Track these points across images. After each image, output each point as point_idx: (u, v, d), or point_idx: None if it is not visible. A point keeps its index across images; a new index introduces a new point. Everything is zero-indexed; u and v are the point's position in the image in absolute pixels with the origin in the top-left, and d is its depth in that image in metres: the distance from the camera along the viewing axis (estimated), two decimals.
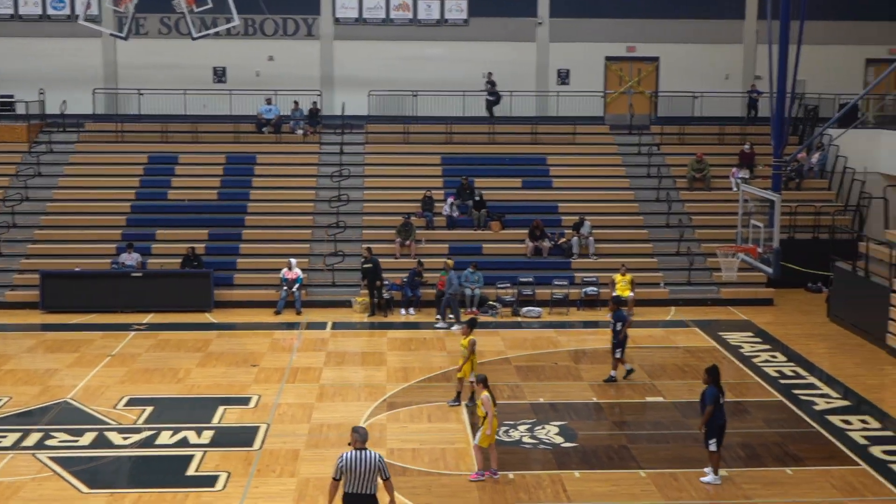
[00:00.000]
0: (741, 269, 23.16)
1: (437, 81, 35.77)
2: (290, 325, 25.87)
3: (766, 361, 22.42)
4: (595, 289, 27.69)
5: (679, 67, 37.21)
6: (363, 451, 11.83)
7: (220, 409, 18.78)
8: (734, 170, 32.38)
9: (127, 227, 30.06)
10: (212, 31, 32.53)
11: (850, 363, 22.41)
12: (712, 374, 15.38)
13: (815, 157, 33.06)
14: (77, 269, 27.71)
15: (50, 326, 25.52)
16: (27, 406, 18.89)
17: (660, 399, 19.64)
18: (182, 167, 32.75)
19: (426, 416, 18.52)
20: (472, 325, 19.14)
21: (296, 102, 35.20)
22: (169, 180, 32.10)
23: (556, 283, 27.96)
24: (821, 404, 19.38)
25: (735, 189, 29.98)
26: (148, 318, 26.24)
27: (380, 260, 27.24)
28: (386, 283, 27.17)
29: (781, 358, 22.76)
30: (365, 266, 26.96)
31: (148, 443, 17.00)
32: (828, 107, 34.45)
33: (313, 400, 19.40)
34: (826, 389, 20.41)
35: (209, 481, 15.33)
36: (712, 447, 15.28)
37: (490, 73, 35.47)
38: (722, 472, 15.54)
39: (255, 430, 17.64)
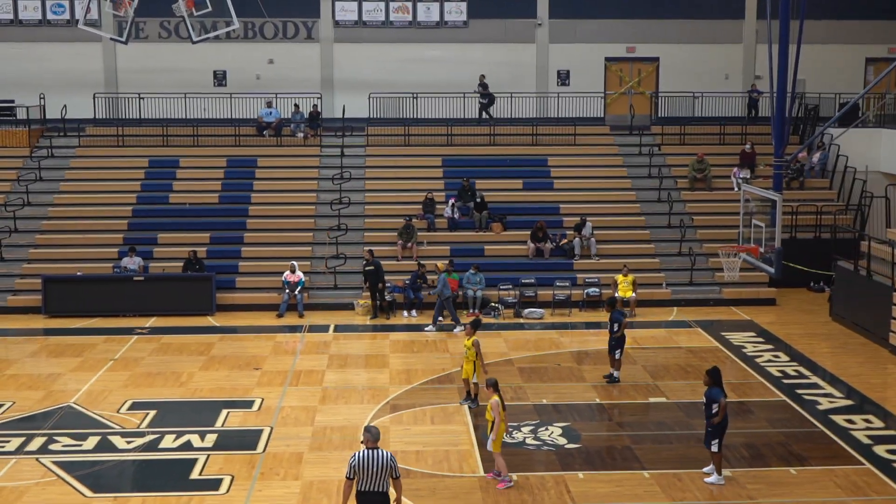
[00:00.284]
0: (743, 269, 23.16)
1: (438, 83, 35.82)
2: (293, 328, 25.87)
3: (769, 361, 22.41)
4: (597, 290, 27.69)
5: (679, 68, 37.25)
6: (375, 451, 11.93)
7: (224, 412, 18.79)
8: (735, 170, 32.38)
9: (129, 231, 30.07)
10: (212, 34, 32.53)
11: (853, 362, 22.40)
12: (714, 376, 15.39)
13: (816, 157, 33.06)
14: (79, 274, 27.73)
15: (52, 331, 25.52)
16: (30, 411, 18.89)
17: (663, 399, 19.63)
18: (183, 171, 32.76)
19: (429, 417, 18.52)
20: (475, 325, 19.14)
21: (296, 105, 35.23)
22: (170, 184, 32.11)
23: (558, 284, 27.96)
24: (824, 404, 19.37)
25: (736, 189, 29.99)
26: (150, 321, 26.25)
27: (381, 262, 27.24)
28: (388, 285, 27.17)
29: (784, 358, 22.75)
30: (367, 268, 26.96)
31: (151, 447, 17.00)
32: (828, 106, 34.47)
33: (316, 403, 19.39)
34: (829, 389, 20.39)
35: (213, 485, 15.33)
36: (714, 448, 15.29)
37: (483, 76, 35.46)
38: (725, 472, 15.55)
39: (258, 433, 17.64)
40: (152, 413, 18.69)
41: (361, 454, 11.94)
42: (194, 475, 15.77)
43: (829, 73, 35.83)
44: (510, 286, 27.81)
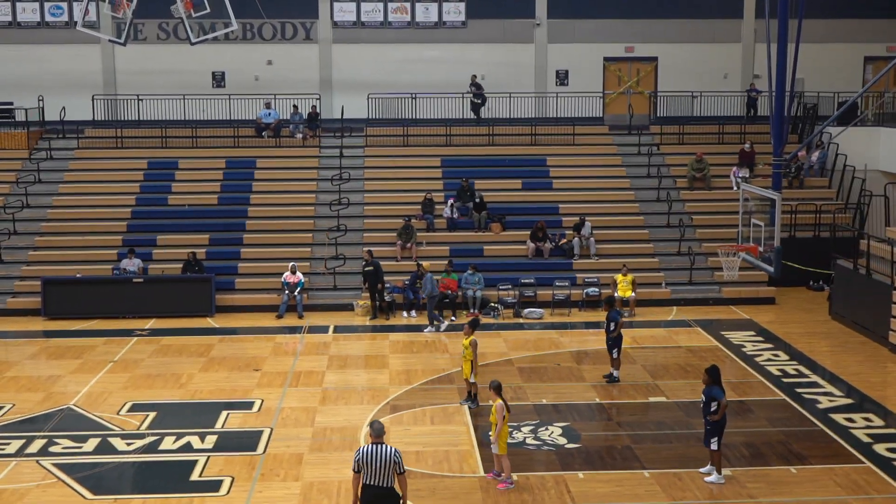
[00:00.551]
0: (742, 268, 23.14)
1: (436, 83, 35.86)
2: (293, 329, 25.87)
3: (769, 360, 22.42)
4: (597, 289, 27.69)
5: (678, 67, 37.30)
6: (380, 446, 12.06)
7: (224, 413, 18.79)
8: (734, 169, 32.39)
9: (128, 232, 30.06)
10: (210, 35, 32.55)
11: (852, 361, 22.41)
12: (713, 374, 15.40)
13: (815, 156, 33.07)
14: (78, 276, 27.73)
15: (52, 333, 25.53)
16: (30, 413, 18.88)
17: (662, 399, 19.63)
18: (182, 172, 32.76)
19: (429, 418, 18.52)
20: (473, 325, 19.15)
21: (295, 106, 35.23)
22: (169, 185, 32.11)
23: (557, 284, 27.96)
24: (824, 402, 19.37)
25: (735, 188, 29.99)
26: (150, 323, 26.25)
27: (381, 263, 27.24)
28: (387, 285, 27.17)
29: (784, 356, 22.76)
30: (366, 269, 26.95)
31: (151, 448, 17.00)
32: (827, 105, 34.53)
33: (316, 403, 19.39)
34: (829, 387, 20.40)
35: (213, 486, 15.33)
36: (713, 446, 15.29)
37: (474, 76, 35.47)
38: (726, 471, 15.55)
39: (258, 434, 17.64)
40: (152, 415, 18.68)
41: (366, 448, 12.07)
42: (194, 476, 15.77)
43: (827, 72, 35.89)
44: (509, 286, 27.81)
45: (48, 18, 36.66)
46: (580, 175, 33.00)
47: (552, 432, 17.61)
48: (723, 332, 24.97)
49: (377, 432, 12.17)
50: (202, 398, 19.91)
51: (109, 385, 20.65)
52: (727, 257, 22.93)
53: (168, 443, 17.21)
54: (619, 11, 37.23)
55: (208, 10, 30.67)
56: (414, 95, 35.47)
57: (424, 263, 26.88)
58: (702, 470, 15.59)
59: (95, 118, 35.37)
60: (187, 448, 16.99)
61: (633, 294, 26.92)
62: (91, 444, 17.16)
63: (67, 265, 28.39)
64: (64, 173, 32.77)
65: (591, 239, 29.48)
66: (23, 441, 17.24)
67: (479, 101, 35.40)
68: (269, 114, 34.83)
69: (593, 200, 31.61)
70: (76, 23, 32.95)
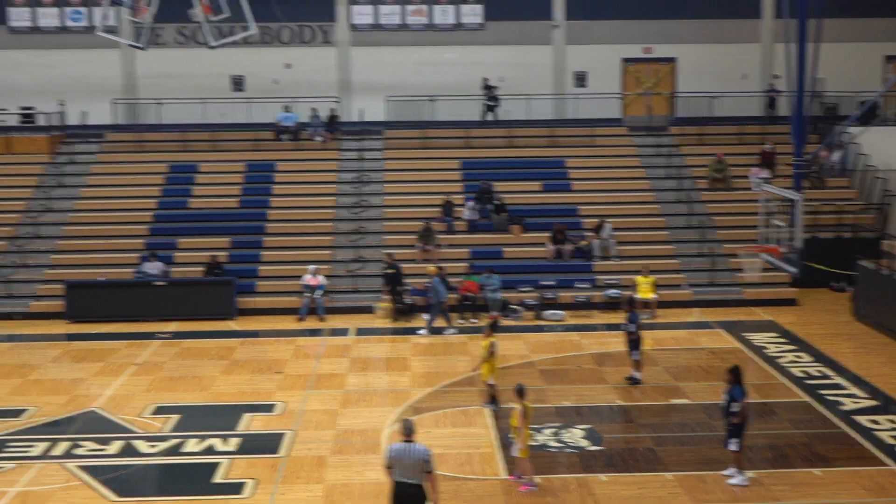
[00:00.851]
0: (764, 269, 23.13)
1: (455, 86, 35.86)
2: (314, 332, 25.93)
3: (792, 362, 22.31)
4: (617, 291, 27.62)
5: (696, 68, 37.20)
6: (410, 444, 12.30)
7: (246, 416, 18.84)
8: (755, 169, 32.26)
9: (149, 236, 30.21)
10: (229, 39, 32.66)
11: (875, 362, 22.27)
12: (735, 374, 15.36)
13: (836, 156, 32.89)
14: (101, 279, 27.88)
15: (75, 336, 25.69)
16: (54, 416, 18.99)
17: (685, 401, 19.57)
18: (202, 175, 32.90)
19: (451, 420, 18.52)
20: (492, 327, 19.14)
21: (314, 109, 35.30)
22: (189, 189, 32.26)
23: (578, 285, 27.93)
24: (848, 404, 19.26)
25: (756, 189, 29.88)
26: (172, 326, 26.37)
27: (401, 265, 27.26)
28: (408, 288, 27.18)
29: (807, 358, 22.63)
30: (387, 271, 26.99)
31: (174, 451, 17.06)
32: (847, 105, 34.33)
33: (338, 406, 19.42)
34: (853, 389, 20.27)
35: (236, 488, 15.38)
36: (733, 447, 15.23)
37: (486, 79, 35.47)
38: (749, 473, 15.48)
39: (280, 436, 17.68)
40: (175, 417, 18.75)
41: (396, 445, 12.33)
42: (217, 479, 15.82)
43: (847, 72, 35.65)
44: (530, 288, 27.78)
45: (68, 24, 36.89)
46: (599, 177, 32.95)
47: (574, 435, 17.58)
48: (745, 334, 24.87)
49: (407, 430, 12.40)
50: (224, 401, 19.98)
51: (132, 388, 20.76)
52: (748, 258, 22.91)
53: (191, 445, 17.27)
54: (637, 12, 37.15)
55: (227, 14, 30.79)
56: (432, 98, 35.50)
57: (430, 267, 26.83)
58: (725, 472, 15.52)
59: (116, 122, 35.57)
60: (210, 450, 17.05)
61: (655, 296, 26.85)
62: (115, 447, 17.24)
63: (90, 268, 28.55)
64: (85, 177, 32.96)
65: (612, 240, 29.42)
66: (47, 444, 17.33)
67: (493, 104, 35.41)
68: (288, 117, 34.93)
69: (613, 202, 31.56)
70: (96, 28, 33.15)
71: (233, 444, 17.35)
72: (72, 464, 16.42)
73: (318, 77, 36.82)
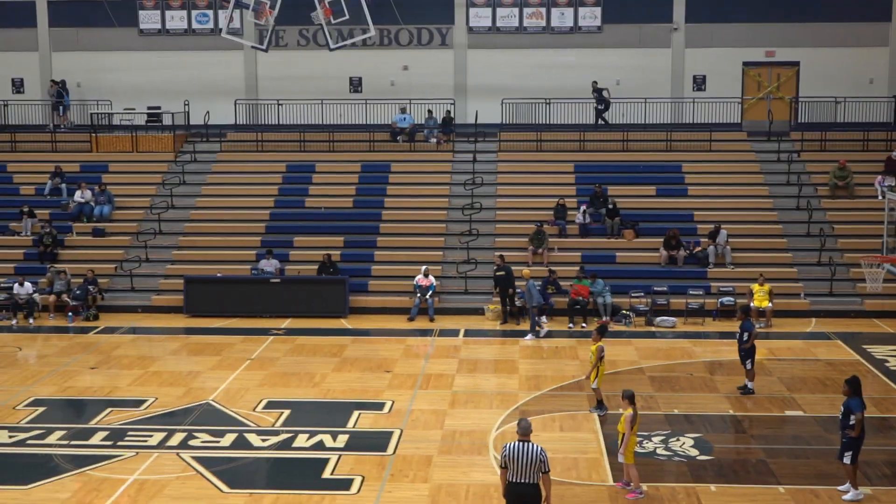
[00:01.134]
0: (887, 280, 22.38)
1: (571, 89, 35.68)
2: (423, 332, 26.12)
3: None
4: (732, 299, 27.11)
5: (820, 72, 36.22)
6: (526, 443, 12.26)
7: (355, 413, 19.08)
8: (879, 177, 31.30)
9: (266, 234, 30.86)
10: (348, 41, 33.22)
11: None
12: (853, 385, 14.91)
13: None
14: (219, 275, 28.59)
15: (193, 330, 26.41)
16: (172, 407, 19.55)
17: (799, 413, 19.09)
18: (319, 175, 33.47)
19: (558, 425, 18.44)
20: (601, 331, 19.01)
21: (430, 111, 35.58)
22: (306, 188, 32.84)
23: (691, 292, 27.49)
24: None
25: (881, 197, 28.99)
26: (286, 323, 26.89)
27: (512, 268, 27.25)
28: (518, 291, 27.16)
29: None
30: (497, 274, 27.01)
31: (285, 445, 17.38)
32: None
33: (446, 406, 19.52)
34: None
35: (344, 484, 15.57)
36: (846, 460, 14.79)
37: (595, 82, 35.16)
38: (866, 489, 15.01)
39: (388, 435, 17.85)
40: (286, 412, 19.10)
41: (513, 445, 12.28)
42: (326, 474, 16.04)
43: None
44: (641, 294, 27.47)
45: (195, 26, 37.93)
46: (716, 182, 32.40)
47: (683, 443, 17.31)
48: (865, 346, 24.13)
49: (524, 430, 12.38)
50: (334, 397, 20.28)
51: (246, 382, 21.23)
52: (871, 268, 22.21)
53: (301, 440, 17.56)
54: (758, 15, 36.35)
55: (347, 16, 31.27)
56: (548, 101, 35.39)
57: (525, 270, 26.67)
58: (840, 488, 15.08)
59: (237, 122, 36.44)
60: (319, 446, 17.31)
61: (770, 304, 26.27)
62: (228, 439, 17.66)
63: (208, 265, 29.31)
64: (207, 175, 33.86)
65: (727, 247, 28.88)
66: (164, 434, 17.85)
67: (602, 108, 35.13)
68: (405, 118, 35.27)
69: (730, 208, 31.02)
70: (221, 30, 34.06)
71: (342, 440, 17.59)
72: (187, 454, 16.87)
73: (435, 79, 37.07)
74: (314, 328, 26.29)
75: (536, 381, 21.24)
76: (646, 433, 17.40)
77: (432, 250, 29.87)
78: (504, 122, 35.55)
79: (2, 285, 28.09)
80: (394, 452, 16.98)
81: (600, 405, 18.86)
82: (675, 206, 31.42)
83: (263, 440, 17.63)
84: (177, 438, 17.65)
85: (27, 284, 27.55)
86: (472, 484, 15.47)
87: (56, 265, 29.20)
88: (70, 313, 27.22)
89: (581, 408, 19.24)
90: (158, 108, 36.68)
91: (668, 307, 27.09)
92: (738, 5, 36.43)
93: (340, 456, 16.79)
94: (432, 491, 15.33)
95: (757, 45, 36.71)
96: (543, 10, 37.07)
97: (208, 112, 35.39)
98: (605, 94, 35.04)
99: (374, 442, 17.53)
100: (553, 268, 27.95)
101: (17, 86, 38.60)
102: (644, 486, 15.14)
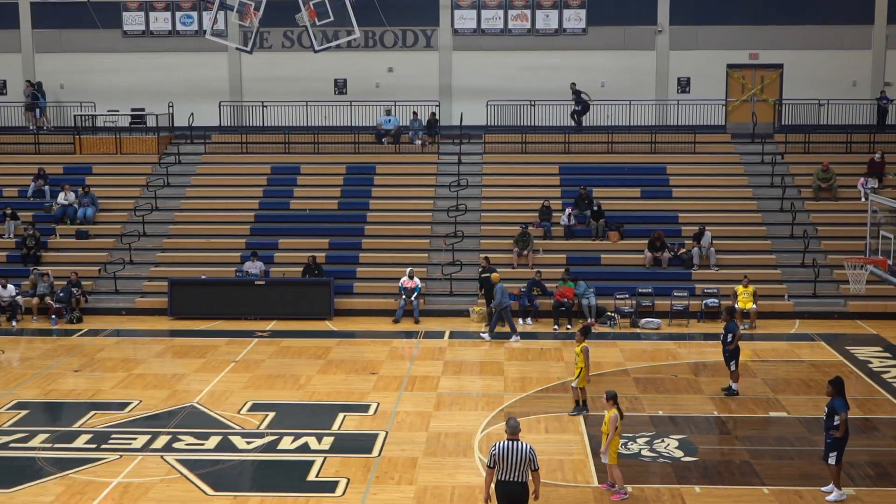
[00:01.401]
0: (870, 281, 22.45)
1: (555, 91, 35.71)
2: (409, 334, 26.11)
3: None
4: (716, 300, 27.19)
5: (804, 74, 36.37)
6: (515, 442, 12.42)
7: (340, 415, 19.06)
8: (862, 179, 31.45)
9: (251, 235, 30.80)
10: (333, 43, 33.15)
11: None
12: (837, 386, 14.99)
13: None
14: (203, 277, 28.51)
15: (177, 332, 26.32)
16: (156, 409, 19.49)
17: (783, 414, 19.16)
18: (304, 177, 33.42)
19: (543, 426, 18.46)
20: (585, 332, 19.05)
21: (415, 113, 35.57)
22: (291, 190, 32.79)
23: (675, 294, 27.55)
24: None
25: (864, 199, 29.12)
26: (271, 325, 26.84)
27: (497, 270, 27.23)
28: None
29: None
30: (482, 275, 27.03)
31: (270, 447, 17.35)
32: None
33: (431, 408, 19.52)
34: None
35: (329, 487, 15.56)
36: (832, 460, 14.86)
37: (573, 84, 35.24)
38: (850, 490, 15.08)
39: (373, 437, 17.84)
40: (271, 415, 19.07)
41: (502, 444, 12.42)
42: (311, 477, 16.03)
43: None
44: (626, 295, 27.52)
45: (179, 28, 37.81)
46: (701, 184, 32.51)
47: (668, 444, 17.36)
48: (848, 347, 24.25)
49: (513, 429, 12.51)
50: (320, 400, 20.25)
51: (231, 384, 21.18)
52: (854, 270, 22.28)
53: (286, 443, 17.54)
54: (743, 18, 36.48)
55: (332, 18, 31.22)
56: (533, 102, 35.43)
57: (494, 275, 26.62)
58: (824, 489, 15.15)
59: (222, 124, 36.35)
60: (304, 448, 17.30)
61: (755, 306, 26.36)
62: (213, 442, 17.62)
63: (193, 267, 29.23)
64: (191, 177, 33.77)
65: (712, 249, 28.98)
66: (148, 436, 17.79)
67: (580, 109, 35.19)
68: (390, 120, 35.26)
69: (714, 210, 31.11)
70: (205, 31, 33.95)
71: (327, 442, 17.57)
72: (171, 457, 16.83)
73: (420, 81, 37.06)
74: (299, 330, 26.25)
75: (522, 383, 21.26)
76: (630, 434, 17.45)
77: (417, 252, 29.87)
78: (489, 123, 35.57)
79: None
80: (379, 454, 16.98)
81: (583, 405, 18.89)
82: (659, 208, 31.50)
83: (248, 442, 17.59)
84: (161, 441, 17.59)
85: (10, 287, 27.41)
86: (457, 486, 15.47)
87: (39, 267, 29.05)
88: (53, 316, 27.09)
89: (566, 409, 19.23)
90: (142, 109, 36.55)
91: (653, 309, 27.16)
92: (723, 8, 36.55)
93: (325, 458, 16.78)
94: (418, 493, 15.33)
95: (741, 48, 36.84)
96: (528, 12, 37.11)
97: (192, 114, 35.30)
98: (583, 96, 35.10)
99: (359, 444, 17.51)
100: (539, 270, 27.95)
101: (0, 88, 38.40)
102: (629, 488, 15.17)
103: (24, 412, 19.33)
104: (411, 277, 27.72)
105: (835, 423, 14.77)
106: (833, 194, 31.55)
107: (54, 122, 37.43)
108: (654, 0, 36.53)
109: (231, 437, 17.84)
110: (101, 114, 36.46)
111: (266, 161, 34.20)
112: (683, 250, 29.21)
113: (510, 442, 12.41)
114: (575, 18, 37.02)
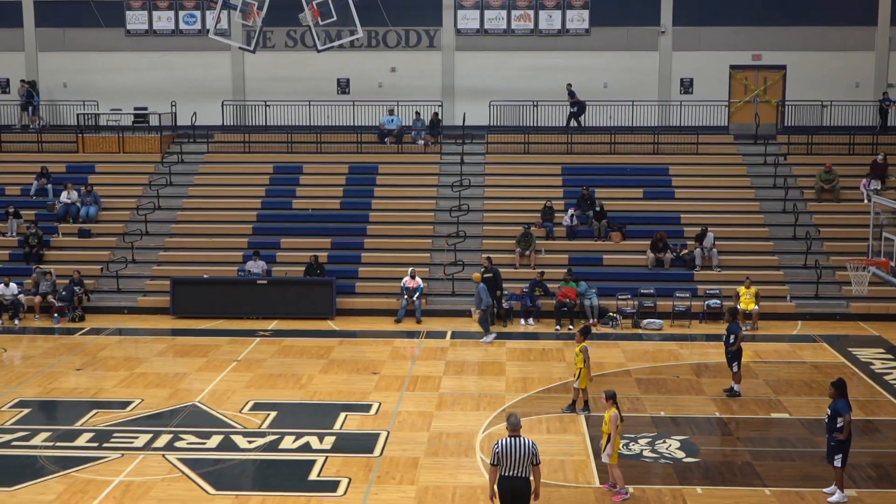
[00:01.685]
0: (872, 282, 22.44)
1: (558, 91, 35.70)
2: (410, 334, 26.11)
3: None
4: (718, 301, 27.18)
5: (807, 75, 36.34)
6: (517, 438, 12.54)
7: (342, 415, 19.06)
8: (864, 180, 31.43)
9: (253, 235, 30.81)
10: (336, 43, 33.17)
11: None
12: (839, 388, 14.98)
13: None
14: (205, 276, 28.52)
15: (180, 331, 26.32)
16: (158, 408, 19.50)
17: (785, 415, 19.15)
18: (306, 177, 33.42)
19: (545, 426, 18.46)
20: (585, 332, 19.05)
21: (417, 113, 35.57)
22: (294, 190, 32.79)
23: (678, 295, 27.54)
24: None
25: (866, 200, 29.10)
26: (273, 324, 26.84)
27: (499, 270, 27.26)
28: (505, 293, 27.17)
29: None
30: (485, 276, 27.00)
31: (272, 447, 17.35)
32: None
33: (432, 408, 19.52)
34: None
35: (330, 486, 15.56)
36: (837, 463, 14.85)
37: (569, 85, 35.25)
38: (851, 492, 15.07)
39: (375, 437, 17.84)
40: (273, 414, 19.07)
41: (505, 442, 12.51)
42: (313, 476, 16.03)
43: None
44: (628, 296, 27.51)
45: (182, 27, 37.84)
46: (703, 185, 32.51)
47: (670, 445, 17.35)
48: (850, 349, 24.23)
49: (514, 426, 12.62)
50: (321, 399, 20.25)
51: (233, 384, 21.18)
52: (856, 271, 22.27)
53: (287, 442, 17.54)
54: (745, 19, 36.46)
55: (335, 18, 31.24)
56: (535, 103, 35.43)
57: (475, 275, 26.61)
58: (825, 490, 15.14)
59: (225, 123, 36.36)
60: (306, 448, 17.30)
61: (756, 307, 26.35)
62: (214, 441, 17.62)
63: (195, 266, 29.22)
64: (194, 177, 33.77)
65: (714, 250, 28.96)
66: (150, 435, 17.80)
67: (576, 110, 35.19)
68: (392, 120, 35.26)
69: (716, 211, 31.09)
70: (208, 31, 33.99)
71: (328, 442, 17.57)
72: (173, 456, 16.83)
73: (422, 81, 37.06)
74: (301, 330, 26.25)
75: (523, 383, 21.26)
76: (632, 435, 17.44)
77: (419, 252, 29.86)
78: (491, 124, 35.57)
79: None
80: (381, 454, 16.98)
81: (584, 405, 18.90)
82: (662, 209, 31.49)
83: (250, 442, 17.59)
84: (163, 440, 17.60)
85: (12, 285, 27.42)
86: (458, 486, 15.47)
87: (42, 266, 29.08)
88: (56, 314, 27.11)
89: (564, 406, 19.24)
90: (145, 108, 36.56)
91: (655, 309, 27.16)
92: (726, 9, 36.53)
93: (327, 458, 16.78)
94: (419, 493, 15.32)
95: (744, 49, 36.82)
96: (531, 12, 37.11)
97: (195, 113, 35.30)
98: (576, 96, 35.07)
99: (360, 444, 17.51)
100: (542, 270, 27.96)
101: (3, 86, 38.45)
102: (630, 488, 15.17)
103: (25, 411, 19.35)
104: (413, 277, 27.72)
105: (838, 426, 14.75)
106: (836, 196, 31.53)
107: (57, 121, 37.45)
108: (658, 1, 36.54)
109: (233, 437, 17.84)
110: (104, 113, 36.47)
111: (269, 160, 34.20)
112: (686, 251, 29.20)
113: (512, 438, 12.51)
114: (578, 19, 37.02)
